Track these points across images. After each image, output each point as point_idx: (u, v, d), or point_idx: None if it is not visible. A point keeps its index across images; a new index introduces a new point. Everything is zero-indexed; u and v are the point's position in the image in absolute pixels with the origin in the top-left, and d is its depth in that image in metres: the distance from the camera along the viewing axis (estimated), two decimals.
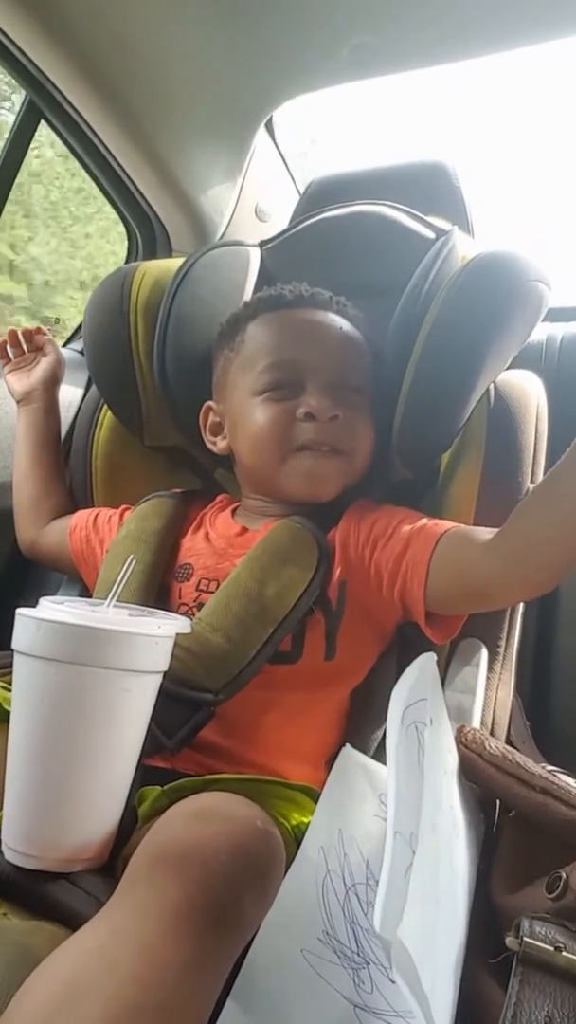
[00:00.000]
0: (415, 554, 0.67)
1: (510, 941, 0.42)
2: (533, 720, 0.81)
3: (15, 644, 0.51)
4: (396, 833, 0.45)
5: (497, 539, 0.63)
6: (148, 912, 0.40)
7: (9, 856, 0.50)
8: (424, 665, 0.57)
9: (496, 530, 0.64)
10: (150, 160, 1.16)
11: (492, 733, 0.71)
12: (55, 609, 0.53)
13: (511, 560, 0.62)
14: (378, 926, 0.40)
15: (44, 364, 1.01)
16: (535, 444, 0.77)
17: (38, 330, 1.04)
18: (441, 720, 0.58)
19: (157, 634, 0.53)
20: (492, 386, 0.80)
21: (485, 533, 0.65)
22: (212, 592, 0.71)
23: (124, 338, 0.88)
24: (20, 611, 0.52)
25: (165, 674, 0.57)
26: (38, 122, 1.11)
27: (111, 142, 1.12)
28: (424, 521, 0.70)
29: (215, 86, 1.10)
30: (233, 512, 0.83)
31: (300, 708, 0.70)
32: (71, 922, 0.47)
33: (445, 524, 0.69)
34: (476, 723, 0.69)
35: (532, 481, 0.76)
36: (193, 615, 0.69)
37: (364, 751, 0.71)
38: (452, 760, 0.58)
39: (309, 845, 0.51)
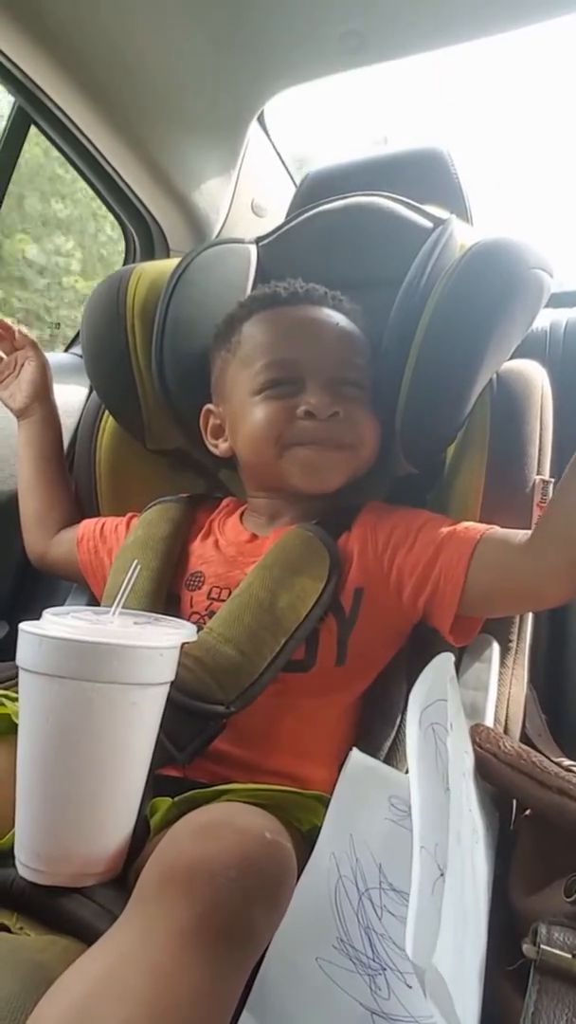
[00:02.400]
0: (449, 559, 0.66)
1: (527, 948, 0.41)
2: (549, 713, 0.80)
3: (19, 661, 0.51)
4: (422, 848, 0.44)
5: (537, 536, 0.63)
6: (158, 933, 0.40)
7: (22, 872, 0.50)
8: (441, 666, 0.56)
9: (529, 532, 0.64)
10: (142, 159, 1.14)
11: (506, 730, 0.70)
12: (58, 623, 0.52)
13: (560, 552, 0.61)
14: (411, 953, 0.39)
15: (31, 375, 0.95)
16: (540, 434, 0.76)
17: (3, 325, 0.97)
18: (459, 722, 0.57)
19: (161, 645, 0.53)
20: (495, 376, 0.78)
21: (521, 534, 0.65)
22: (224, 600, 0.70)
23: (122, 343, 0.88)
24: (23, 626, 0.51)
25: (176, 686, 0.56)
26: (28, 127, 1.10)
27: (101, 143, 1.11)
28: (453, 526, 0.69)
29: (205, 81, 1.08)
30: (241, 516, 0.82)
31: (313, 712, 0.69)
32: (85, 936, 0.47)
33: (479, 527, 0.68)
34: (489, 720, 0.68)
35: (538, 472, 0.75)
36: (205, 623, 0.68)
37: (377, 750, 0.70)
38: (468, 761, 0.57)
39: (320, 852, 0.50)
